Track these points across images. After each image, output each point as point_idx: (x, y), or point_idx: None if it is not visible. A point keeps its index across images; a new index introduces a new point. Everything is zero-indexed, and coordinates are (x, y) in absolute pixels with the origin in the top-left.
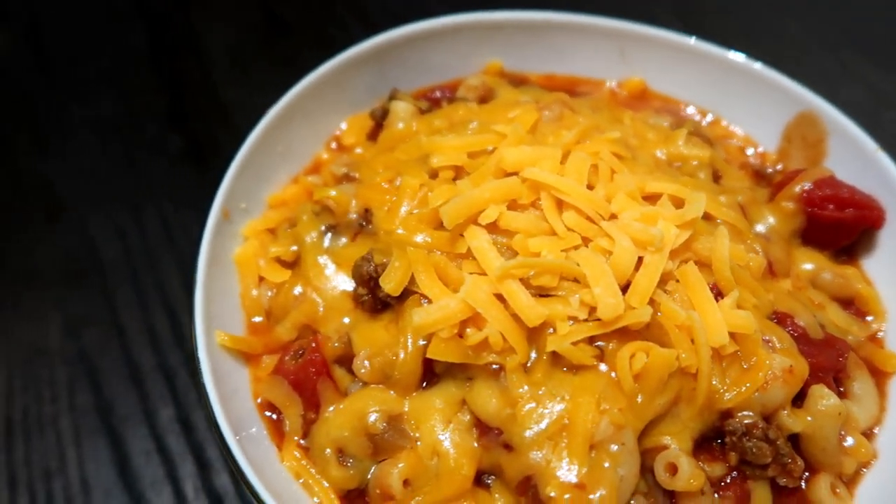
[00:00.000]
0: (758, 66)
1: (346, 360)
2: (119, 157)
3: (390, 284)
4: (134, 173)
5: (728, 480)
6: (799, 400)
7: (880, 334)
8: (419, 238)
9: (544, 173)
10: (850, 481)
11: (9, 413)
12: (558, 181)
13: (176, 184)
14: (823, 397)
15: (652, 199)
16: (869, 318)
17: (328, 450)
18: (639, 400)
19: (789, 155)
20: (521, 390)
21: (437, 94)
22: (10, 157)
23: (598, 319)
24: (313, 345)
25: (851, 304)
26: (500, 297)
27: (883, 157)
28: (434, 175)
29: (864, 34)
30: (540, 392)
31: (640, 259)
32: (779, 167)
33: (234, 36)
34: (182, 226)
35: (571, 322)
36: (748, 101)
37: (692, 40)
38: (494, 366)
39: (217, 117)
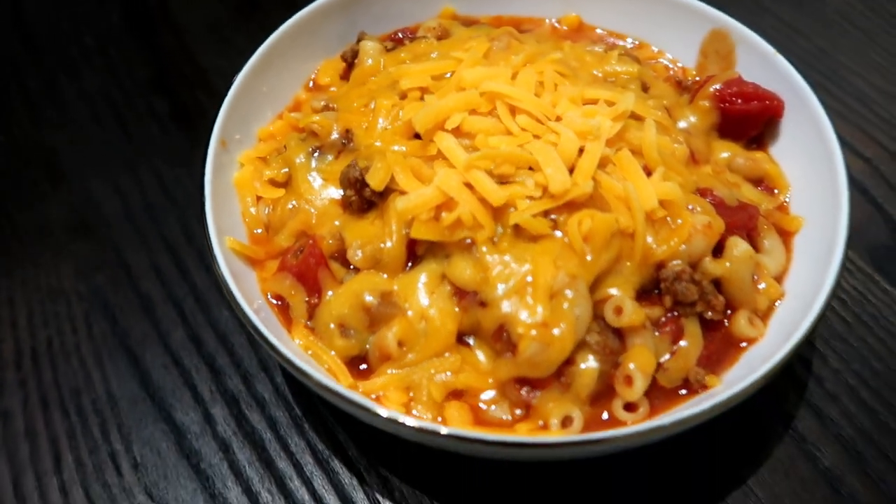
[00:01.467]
0: None
1: (340, 255)
2: (111, 124)
3: (375, 180)
4: (126, 138)
5: (665, 319)
6: (719, 254)
7: (785, 203)
8: (396, 147)
9: (499, 84)
10: (764, 315)
11: (34, 345)
12: (511, 90)
13: (166, 144)
14: (737, 246)
15: (590, 104)
16: (776, 192)
17: (332, 325)
18: (588, 258)
19: (706, 68)
20: (490, 258)
21: (400, 35)
22: (10, 131)
23: (551, 196)
24: (311, 242)
25: (762, 182)
26: (468, 186)
27: (780, 59)
28: (403, 97)
29: None
30: (506, 258)
31: (583, 148)
32: (698, 79)
33: (209, 11)
34: (176, 180)
35: (529, 200)
36: (669, 26)
37: None
38: (467, 241)
39: (199, 83)
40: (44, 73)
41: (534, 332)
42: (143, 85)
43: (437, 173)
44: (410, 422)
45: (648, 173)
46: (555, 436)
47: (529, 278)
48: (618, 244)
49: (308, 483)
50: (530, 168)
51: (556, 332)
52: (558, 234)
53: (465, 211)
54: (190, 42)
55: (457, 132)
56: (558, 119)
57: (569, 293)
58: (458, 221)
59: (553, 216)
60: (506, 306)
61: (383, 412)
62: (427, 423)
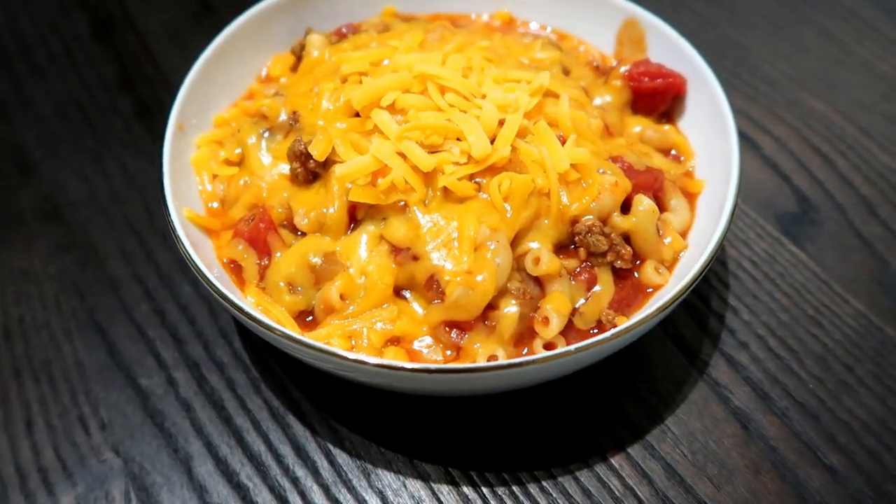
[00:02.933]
0: None
1: (289, 222)
2: (78, 120)
3: (317, 150)
4: (92, 132)
5: (580, 269)
6: (628, 211)
7: (690, 169)
8: (338, 125)
9: (429, 66)
10: (671, 265)
11: (5, 322)
12: (440, 71)
13: (130, 138)
14: (642, 202)
15: (513, 84)
16: (682, 159)
17: (281, 283)
18: (508, 215)
19: (622, 54)
20: (422, 218)
21: (344, 30)
22: None
23: (475, 161)
24: (261, 210)
25: (670, 152)
26: (401, 154)
27: (683, 42)
28: (345, 80)
29: None
30: (435, 217)
31: (503, 120)
32: (615, 63)
33: (168, 15)
34: (139, 169)
35: (455, 166)
36: (588, 19)
37: None
38: (402, 203)
39: (160, 82)
40: (12, 77)
41: (459, 278)
42: (107, 85)
43: (373, 143)
44: (349, 355)
45: (564, 141)
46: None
47: (455, 233)
48: (535, 202)
49: (265, 437)
50: (458, 139)
51: (479, 278)
52: (484, 195)
53: (398, 176)
54: (151, 44)
55: (391, 109)
56: (483, 97)
57: (491, 245)
58: (392, 186)
59: (478, 179)
60: (435, 258)
61: (326, 347)
62: (362, 355)
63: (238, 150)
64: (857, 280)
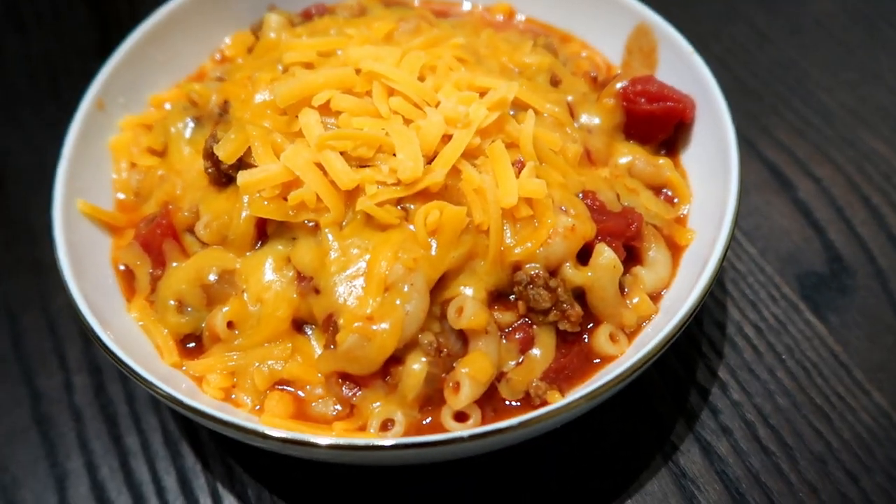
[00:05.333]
0: None
1: (195, 228)
2: (45, 86)
3: (223, 152)
4: (57, 100)
5: (516, 326)
6: (587, 262)
7: (683, 214)
8: (264, 123)
9: (377, 64)
10: (632, 333)
11: None
12: (388, 70)
13: None
14: (602, 253)
15: (481, 92)
16: (676, 201)
17: (171, 301)
18: (433, 252)
19: (630, 66)
20: (332, 243)
21: (313, 11)
22: None
23: (403, 184)
24: (164, 212)
25: (663, 191)
26: (321, 167)
27: (696, 59)
28: (286, 71)
29: None
30: (348, 244)
31: (451, 136)
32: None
33: None
34: None
35: (380, 186)
36: (597, 19)
37: None
38: (312, 224)
39: None
40: None
41: (357, 324)
42: (84, 51)
43: (286, 150)
44: (201, 407)
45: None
46: (337, 438)
47: (366, 267)
48: (470, 241)
49: (151, 463)
50: (395, 155)
51: (378, 327)
52: (412, 227)
53: (310, 192)
54: (142, 11)
55: (325, 111)
56: (438, 105)
57: (404, 287)
58: (303, 202)
59: (408, 206)
60: (337, 294)
61: (167, 390)
62: (207, 407)
63: (164, 139)
64: (884, 368)
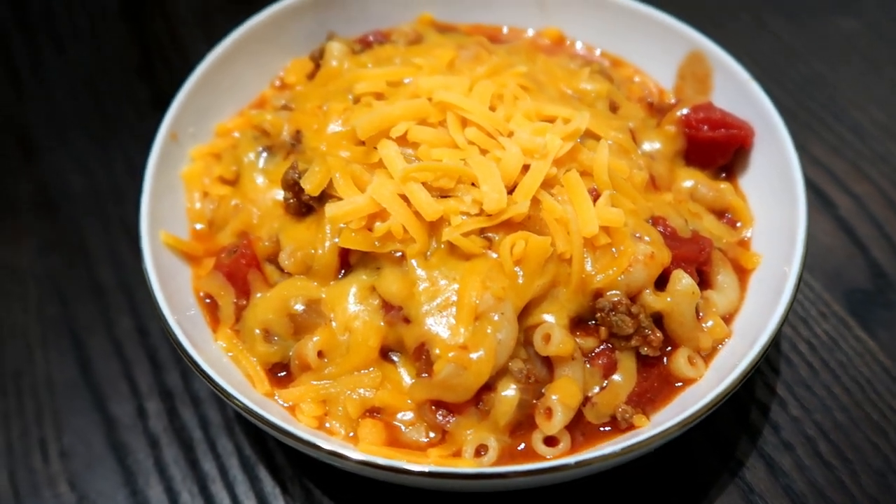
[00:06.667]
0: (656, 11)
1: (276, 257)
2: (90, 105)
3: (309, 184)
4: (102, 119)
5: (598, 351)
6: (665, 287)
7: (747, 238)
8: (341, 153)
9: (451, 94)
10: (708, 356)
11: None
12: (462, 101)
13: (141, 129)
14: (680, 279)
15: (548, 121)
16: (739, 225)
17: (257, 330)
18: (520, 281)
19: (683, 91)
20: (419, 273)
21: (371, 38)
22: None
23: (487, 214)
24: (245, 242)
25: (725, 214)
26: (404, 198)
27: (755, 86)
28: (357, 101)
29: None
30: (435, 274)
31: (528, 166)
32: (673, 101)
33: (200, 1)
34: (145, 165)
35: (465, 217)
36: (649, 45)
37: None
38: (398, 254)
39: (182, 70)
40: (32, 48)
41: (452, 353)
42: (126, 68)
43: (372, 182)
44: (301, 434)
45: (598, 196)
46: (450, 466)
47: (455, 297)
48: (553, 269)
49: (230, 488)
50: (473, 183)
51: (474, 356)
52: (493, 254)
53: (397, 223)
54: (180, 30)
55: (402, 141)
56: (510, 135)
57: (494, 316)
58: (389, 233)
59: (490, 235)
60: (429, 324)
61: (280, 423)
62: (335, 444)
63: (234, 168)
64: None
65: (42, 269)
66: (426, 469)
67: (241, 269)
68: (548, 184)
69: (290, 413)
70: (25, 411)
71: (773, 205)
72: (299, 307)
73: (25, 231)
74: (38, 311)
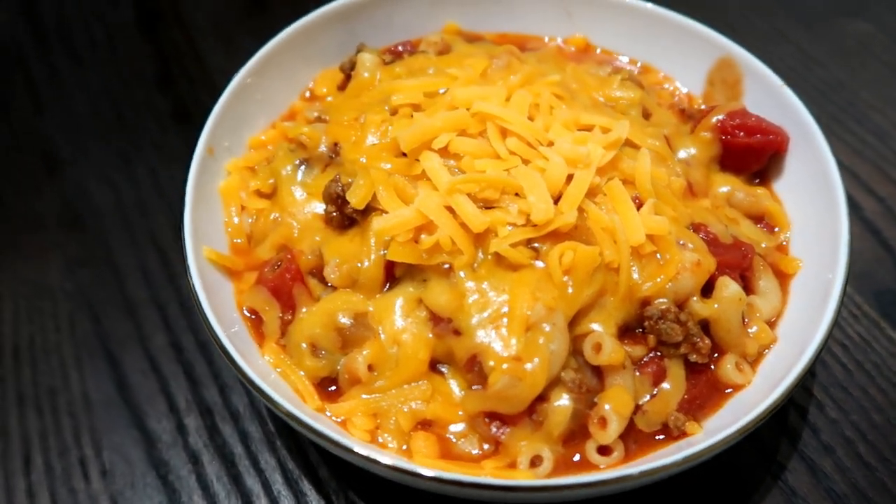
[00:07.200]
0: (684, 18)
1: (318, 271)
2: (111, 119)
3: (355, 198)
4: (125, 132)
5: (647, 359)
6: (709, 294)
7: (785, 243)
8: (381, 165)
9: (490, 105)
10: (754, 361)
11: (16, 341)
12: (502, 112)
13: (164, 141)
14: (727, 286)
15: (586, 130)
16: (776, 230)
17: (303, 344)
18: (569, 291)
19: (713, 97)
20: (468, 285)
21: (400, 48)
22: (11, 118)
23: (534, 225)
24: (289, 257)
25: (762, 219)
26: (450, 209)
27: (787, 92)
28: (394, 112)
29: (800, 3)
30: (484, 286)
31: (572, 176)
32: (703, 107)
33: (217, 9)
34: (170, 177)
35: (511, 227)
36: (677, 52)
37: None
38: (445, 266)
39: (202, 83)
40: (50, 62)
41: (505, 365)
42: (146, 81)
43: (418, 195)
44: (362, 450)
45: (639, 204)
46: (514, 479)
47: (505, 309)
48: (601, 278)
49: (274, 503)
50: (516, 194)
51: (528, 367)
52: (540, 264)
53: (444, 235)
54: (197, 40)
55: (444, 152)
56: (550, 144)
57: (546, 327)
58: (437, 245)
59: (536, 245)
60: (480, 336)
61: (341, 440)
62: (400, 461)
63: (272, 181)
64: None
65: (72, 286)
66: (498, 483)
67: (285, 283)
68: (591, 193)
69: (342, 427)
70: (63, 430)
71: (809, 208)
72: (347, 321)
73: (52, 247)
74: (71, 328)
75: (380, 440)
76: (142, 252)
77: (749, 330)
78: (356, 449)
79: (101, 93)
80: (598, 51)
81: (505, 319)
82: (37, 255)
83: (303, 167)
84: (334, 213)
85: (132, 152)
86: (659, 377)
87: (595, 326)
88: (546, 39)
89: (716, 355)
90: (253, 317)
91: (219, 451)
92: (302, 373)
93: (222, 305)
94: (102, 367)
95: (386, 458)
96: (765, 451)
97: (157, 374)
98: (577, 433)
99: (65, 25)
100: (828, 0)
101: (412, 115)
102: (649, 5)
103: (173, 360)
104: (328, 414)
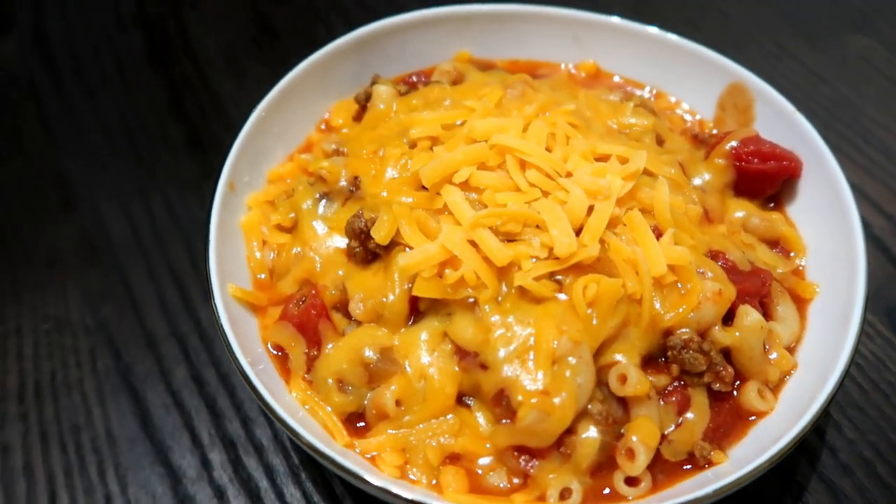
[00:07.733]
0: (694, 44)
1: (342, 306)
2: (125, 150)
3: (380, 234)
4: (139, 164)
5: (671, 388)
6: (729, 321)
7: (801, 267)
8: (402, 199)
9: (509, 138)
10: (776, 388)
11: (37, 377)
12: (521, 144)
13: (178, 172)
14: (748, 314)
15: (602, 159)
16: (792, 255)
17: (330, 380)
18: (593, 323)
19: (724, 122)
20: (493, 319)
21: (414, 78)
22: (26, 154)
23: (557, 258)
24: (313, 292)
25: (777, 244)
26: (472, 244)
27: (800, 117)
28: (413, 145)
29: (802, 19)
30: (509, 319)
31: (592, 207)
32: (715, 132)
33: (227, 40)
34: (186, 208)
35: (534, 261)
36: (687, 77)
37: (637, 25)
38: (470, 300)
39: (214, 112)
40: (62, 96)
41: (534, 399)
42: (158, 111)
43: (442, 230)
44: (400, 491)
45: (658, 234)
46: None
47: (531, 342)
48: (624, 309)
49: None
50: (538, 226)
51: (556, 400)
52: (564, 297)
53: (469, 269)
54: (207, 70)
55: (464, 186)
56: (568, 175)
57: (572, 360)
58: (462, 280)
59: (559, 277)
60: (507, 370)
61: (374, 480)
62: (401, 488)
63: (292, 215)
64: None
65: (92, 321)
66: None
67: (311, 319)
68: (611, 224)
69: (371, 463)
70: (88, 467)
71: (824, 232)
72: (373, 355)
73: (71, 283)
74: (92, 364)
75: (410, 476)
76: (159, 284)
77: (770, 356)
78: (393, 489)
79: (114, 125)
80: (609, 76)
81: (531, 353)
82: (57, 290)
83: (323, 201)
84: (357, 248)
85: (147, 184)
86: (683, 406)
87: (619, 357)
88: (562, 66)
89: (738, 383)
90: (278, 353)
91: (244, 485)
92: (329, 408)
93: (248, 342)
94: (125, 402)
95: (413, 495)
96: (785, 472)
97: (179, 409)
98: (604, 464)
99: (76, 59)
100: (831, 16)
101: (431, 149)
102: (655, 30)
103: (195, 393)
104: (357, 450)
